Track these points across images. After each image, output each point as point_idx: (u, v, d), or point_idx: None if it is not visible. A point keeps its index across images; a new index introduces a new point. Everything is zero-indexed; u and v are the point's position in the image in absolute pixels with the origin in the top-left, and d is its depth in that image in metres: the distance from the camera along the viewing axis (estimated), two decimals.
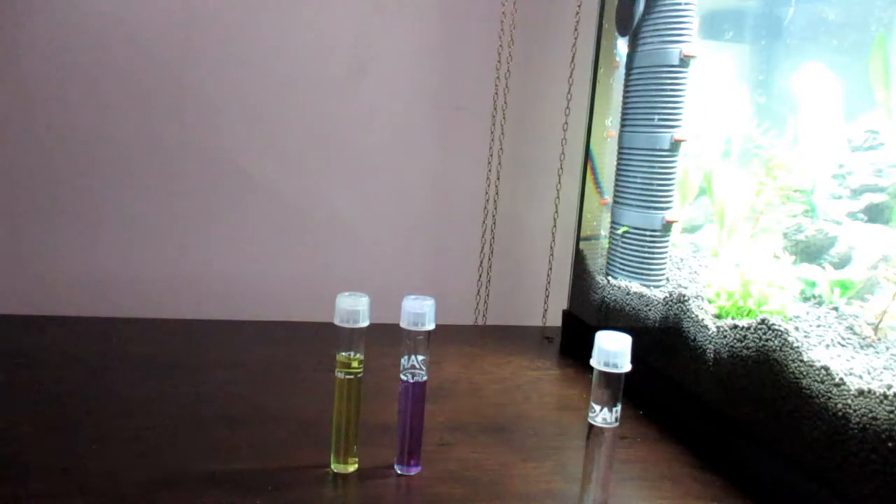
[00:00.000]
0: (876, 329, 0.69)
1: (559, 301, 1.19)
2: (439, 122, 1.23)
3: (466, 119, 1.23)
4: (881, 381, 0.60)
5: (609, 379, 0.58)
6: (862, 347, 0.68)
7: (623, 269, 0.97)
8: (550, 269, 1.27)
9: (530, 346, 1.11)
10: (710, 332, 0.78)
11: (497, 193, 1.26)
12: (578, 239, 1.12)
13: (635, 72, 0.95)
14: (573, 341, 1.11)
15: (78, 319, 1.06)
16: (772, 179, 0.88)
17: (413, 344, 0.65)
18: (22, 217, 1.11)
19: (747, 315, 0.79)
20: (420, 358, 0.65)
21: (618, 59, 1.03)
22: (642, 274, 0.95)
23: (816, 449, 0.62)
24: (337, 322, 0.64)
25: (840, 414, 0.60)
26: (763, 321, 0.70)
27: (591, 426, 0.59)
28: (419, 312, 0.63)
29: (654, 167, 0.92)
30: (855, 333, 0.70)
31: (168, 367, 0.90)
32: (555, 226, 1.26)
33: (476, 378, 0.94)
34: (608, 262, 1.01)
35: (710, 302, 0.83)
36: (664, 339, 0.86)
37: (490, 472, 0.68)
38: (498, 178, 1.25)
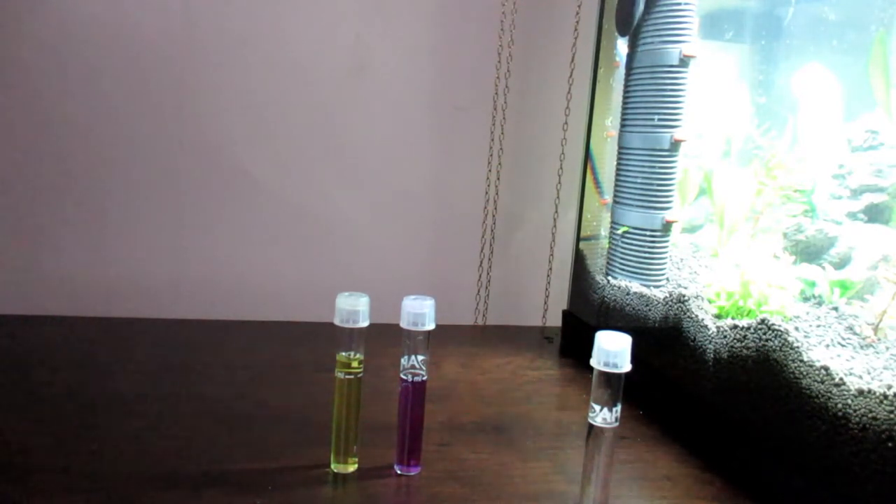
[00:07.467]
0: (876, 329, 0.69)
1: (559, 301, 1.19)
2: (439, 122, 1.23)
3: (466, 119, 1.23)
4: (881, 381, 0.60)
5: (609, 379, 0.58)
6: (862, 347, 0.68)
7: (623, 269, 0.97)
8: (550, 269, 1.27)
9: (530, 346, 1.11)
10: (710, 332, 0.78)
11: (497, 193, 1.26)
12: (578, 239, 1.12)
13: (635, 72, 0.95)
14: (573, 341, 1.11)
15: (78, 319, 1.06)
16: (772, 179, 0.88)
17: (413, 344, 0.65)
18: (23, 217, 1.11)
19: (747, 315, 0.79)
20: (420, 358, 0.65)
21: (618, 59, 1.03)
22: (642, 274, 0.95)
23: (816, 449, 0.62)
24: (337, 322, 0.64)
25: (840, 414, 0.60)
26: (763, 321, 0.70)
27: (591, 426, 0.59)
28: (419, 312, 0.63)
29: (654, 167, 0.92)
30: (855, 333, 0.70)
31: (168, 367, 0.90)
32: (555, 226, 1.26)
33: (476, 378, 0.94)
34: (608, 262, 1.01)
35: (710, 302, 0.83)
36: (664, 339, 0.86)
37: (490, 472, 0.68)
38: (498, 178, 1.25)
